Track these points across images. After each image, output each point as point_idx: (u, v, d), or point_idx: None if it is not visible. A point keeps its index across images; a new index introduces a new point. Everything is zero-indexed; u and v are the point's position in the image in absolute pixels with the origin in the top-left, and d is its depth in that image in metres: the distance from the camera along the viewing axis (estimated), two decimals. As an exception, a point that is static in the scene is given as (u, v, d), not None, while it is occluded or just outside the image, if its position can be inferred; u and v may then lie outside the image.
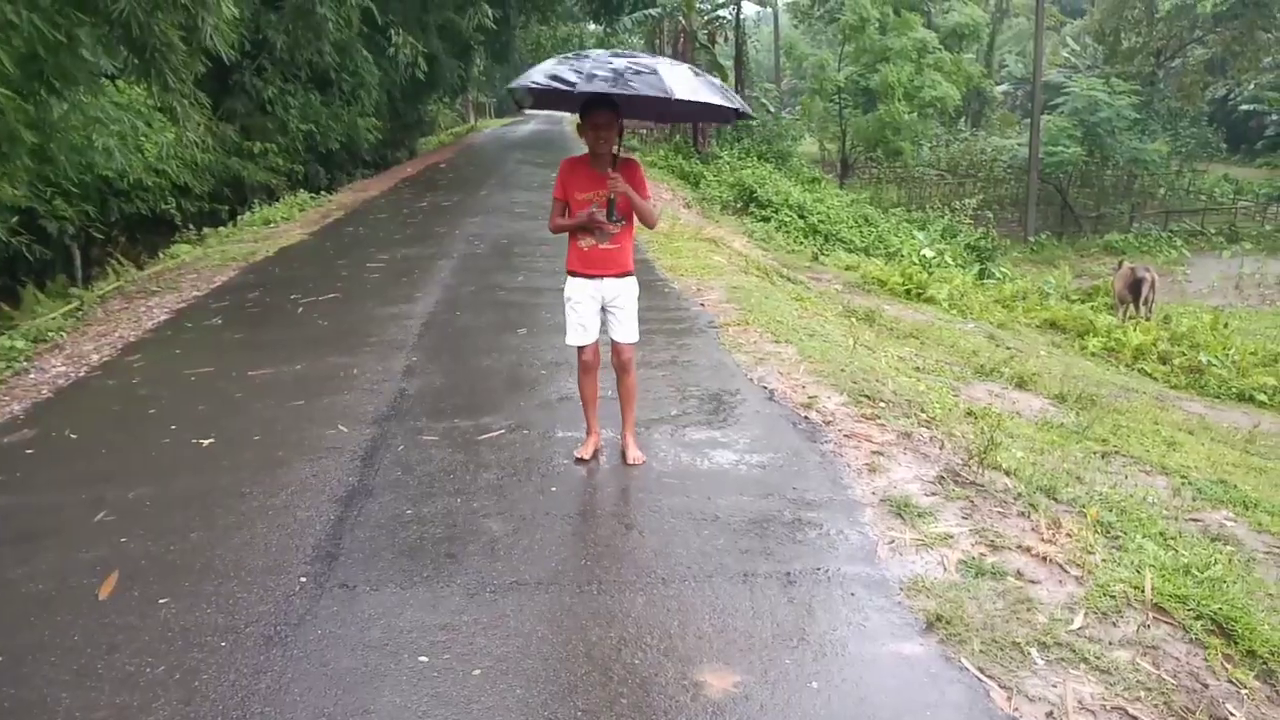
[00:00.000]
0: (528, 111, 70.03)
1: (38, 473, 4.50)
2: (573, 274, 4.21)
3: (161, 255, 12.02)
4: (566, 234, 4.20)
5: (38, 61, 7.80)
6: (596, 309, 4.21)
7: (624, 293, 4.20)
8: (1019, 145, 32.20)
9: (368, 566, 3.41)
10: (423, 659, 2.83)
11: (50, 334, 7.54)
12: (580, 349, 4.29)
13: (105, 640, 2.96)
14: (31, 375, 6.36)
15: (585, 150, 4.11)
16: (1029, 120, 29.72)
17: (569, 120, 57.06)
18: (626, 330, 4.26)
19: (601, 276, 4.15)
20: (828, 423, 4.99)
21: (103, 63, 9.39)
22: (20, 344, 6.97)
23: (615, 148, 4.04)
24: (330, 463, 4.39)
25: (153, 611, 3.13)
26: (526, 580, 3.30)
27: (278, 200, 16.24)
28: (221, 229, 13.77)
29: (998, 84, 44.81)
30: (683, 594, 3.24)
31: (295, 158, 18.54)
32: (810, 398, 5.36)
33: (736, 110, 3.92)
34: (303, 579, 3.31)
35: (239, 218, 14.83)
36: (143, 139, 13.80)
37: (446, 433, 4.82)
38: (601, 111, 3.96)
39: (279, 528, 3.72)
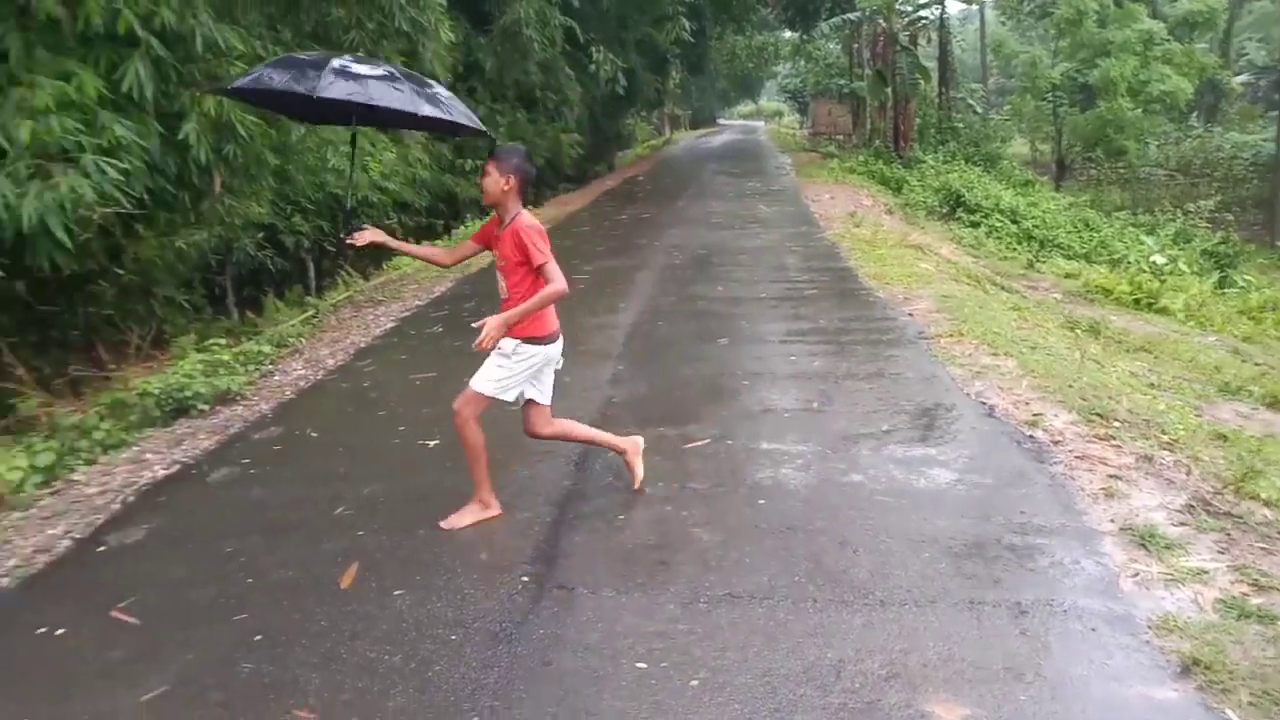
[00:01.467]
0: (721, 122, 70.63)
1: (285, 468, 4.91)
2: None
3: (385, 267, 12.91)
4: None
5: (280, 90, 8.56)
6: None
7: (504, 344, 3.77)
8: (1263, 141, 29.16)
9: (584, 569, 3.49)
10: (641, 665, 2.85)
11: (291, 339, 8.25)
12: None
13: (348, 627, 3.17)
14: (276, 377, 6.96)
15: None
16: (1275, 113, 26.86)
17: (764, 130, 56.88)
18: (479, 373, 3.82)
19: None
20: (1056, 442, 4.67)
21: (336, 89, 10.20)
22: (266, 348, 7.66)
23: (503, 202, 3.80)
24: (546, 466, 4.54)
25: (389, 602, 3.33)
26: (740, 593, 3.27)
27: (487, 215, 17.07)
28: (438, 242, 14.64)
29: (1236, 74, 40.77)
30: (903, 618, 3.10)
31: (503, 174, 19.42)
32: (1035, 415, 5.04)
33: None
34: (524, 578, 3.43)
35: (452, 232, 15.73)
36: (368, 159, 14.88)
37: (653, 441, 4.84)
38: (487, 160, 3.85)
39: (500, 527, 3.88)
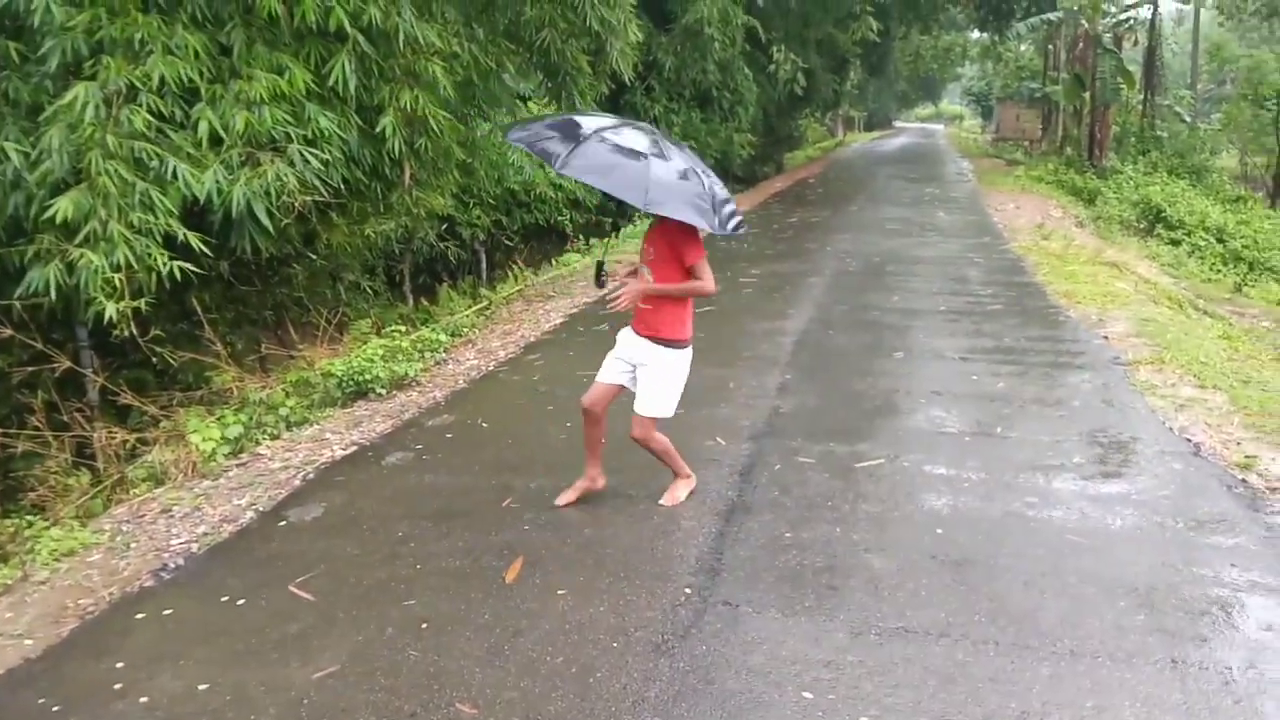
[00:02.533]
0: (898, 124, 68.58)
1: (456, 455, 5.02)
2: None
3: (554, 263, 13.17)
4: None
5: (471, 87, 8.82)
6: (621, 359, 3.97)
7: (649, 359, 3.87)
8: None
9: (749, 586, 3.38)
10: (807, 695, 2.72)
11: (464, 330, 8.51)
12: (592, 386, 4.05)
13: (511, 624, 3.18)
14: (449, 366, 7.18)
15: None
16: None
17: (943, 134, 54.79)
18: (642, 399, 3.90)
19: (635, 332, 3.92)
20: (1272, 489, 4.22)
21: (520, 86, 10.46)
22: (442, 337, 7.90)
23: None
24: (710, 475, 4.45)
25: (552, 601, 3.32)
26: (914, 628, 3.08)
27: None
28: (606, 240, 14.81)
29: None
30: (1096, 672, 2.84)
31: (673, 173, 19.49)
32: (1248, 457, 4.57)
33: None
34: (687, 590, 3.35)
35: (621, 230, 15.87)
36: (545, 153, 15.20)
37: (822, 456, 4.70)
38: None
39: (664, 534, 3.82)
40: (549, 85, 9.97)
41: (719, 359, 6.65)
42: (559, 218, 15.95)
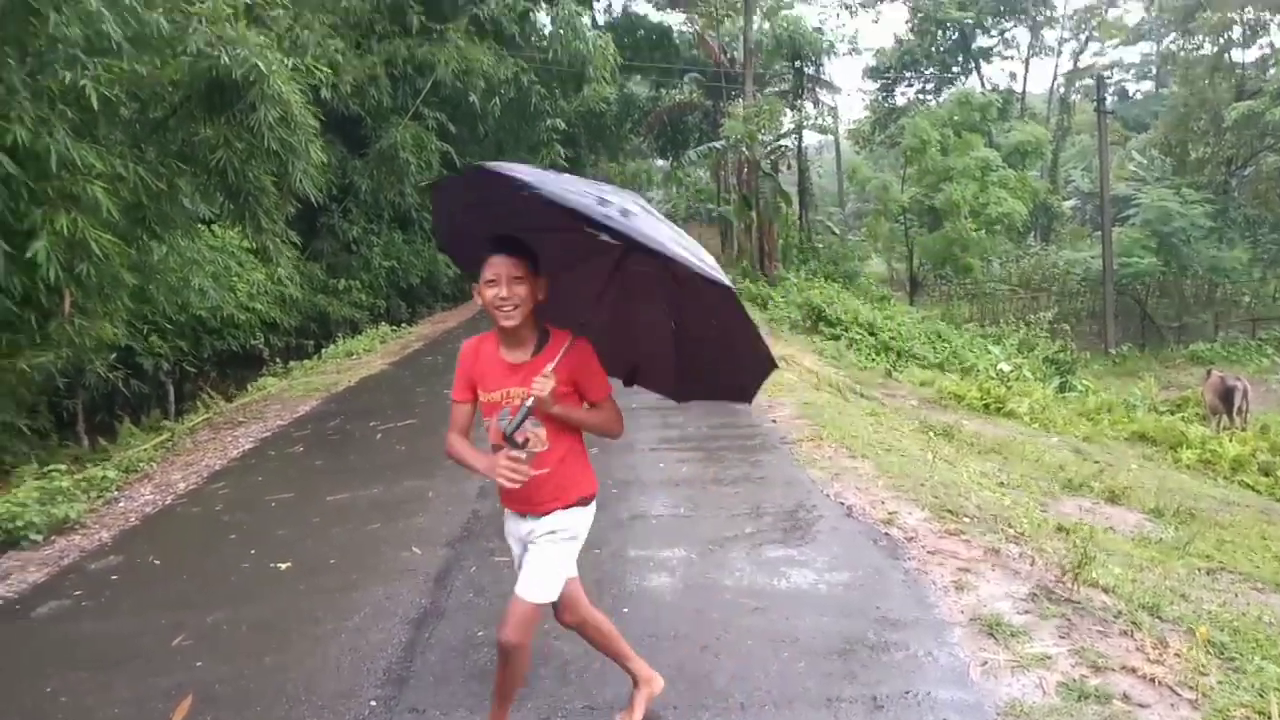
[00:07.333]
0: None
1: (121, 599, 4.58)
2: (502, 505, 2.93)
3: (250, 388, 12.47)
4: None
5: (141, 209, 8.35)
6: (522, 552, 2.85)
7: (541, 529, 2.77)
8: (1092, 258, 31.79)
9: (438, 690, 3.35)
10: (493, 787, 2.73)
11: (141, 464, 7.82)
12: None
13: (177, 767, 2.93)
14: (121, 504, 6.56)
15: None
16: (1100, 233, 29.44)
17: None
18: (525, 579, 2.73)
19: (524, 514, 2.82)
20: (910, 539, 4.82)
21: (200, 208, 10.02)
22: (112, 474, 7.23)
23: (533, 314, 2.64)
24: (404, 585, 4.38)
25: (224, 737, 3.10)
26: (599, 705, 3.20)
27: (361, 333, 16.84)
28: (307, 361, 14.28)
29: (1065, 199, 44.65)
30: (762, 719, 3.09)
31: (378, 293, 19.32)
32: (890, 513, 5.21)
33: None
34: (373, 703, 3.26)
35: (323, 351, 15.37)
36: (235, 278, 14.53)
37: (519, 554, 4.78)
38: (503, 256, 2.55)
39: (351, 651, 3.70)
40: (231, 207, 9.64)
41: (419, 470, 6.61)
42: (253, 342, 15.20)
